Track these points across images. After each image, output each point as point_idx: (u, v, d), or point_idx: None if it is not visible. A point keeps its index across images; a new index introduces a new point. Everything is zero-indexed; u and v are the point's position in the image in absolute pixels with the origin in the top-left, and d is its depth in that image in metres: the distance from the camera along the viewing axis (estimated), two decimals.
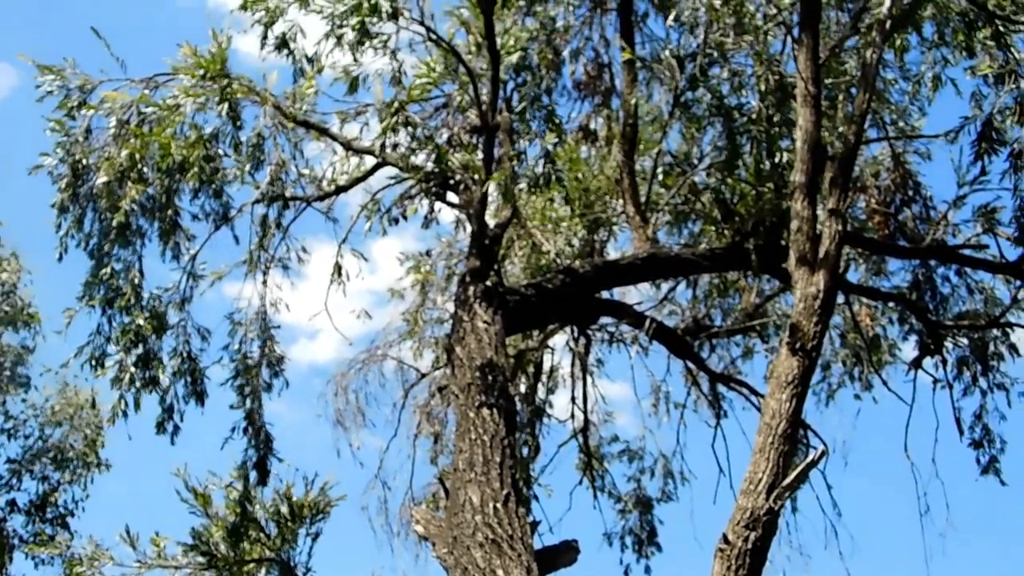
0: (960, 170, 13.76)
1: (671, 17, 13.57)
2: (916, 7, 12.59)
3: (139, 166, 14.01)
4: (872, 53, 11.96)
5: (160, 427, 14.36)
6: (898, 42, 14.13)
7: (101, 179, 13.96)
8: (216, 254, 14.85)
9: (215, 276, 14.96)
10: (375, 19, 12.82)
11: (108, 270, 14.09)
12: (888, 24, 12.07)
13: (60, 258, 14.27)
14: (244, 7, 13.71)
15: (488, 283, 13.04)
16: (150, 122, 14.22)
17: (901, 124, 15.44)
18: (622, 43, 15.16)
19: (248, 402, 14.68)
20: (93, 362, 14.14)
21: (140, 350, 14.16)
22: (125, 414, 14.06)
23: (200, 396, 14.66)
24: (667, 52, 14.91)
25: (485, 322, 12.38)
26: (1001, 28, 12.89)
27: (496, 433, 11.14)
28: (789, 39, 14.27)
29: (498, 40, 14.19)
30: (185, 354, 14.76)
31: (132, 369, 14.02)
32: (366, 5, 12.52)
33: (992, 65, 13.45)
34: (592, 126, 16.25)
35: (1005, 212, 13.96)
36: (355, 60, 13.77)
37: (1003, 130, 13.22)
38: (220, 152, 14.28)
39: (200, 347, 14.84)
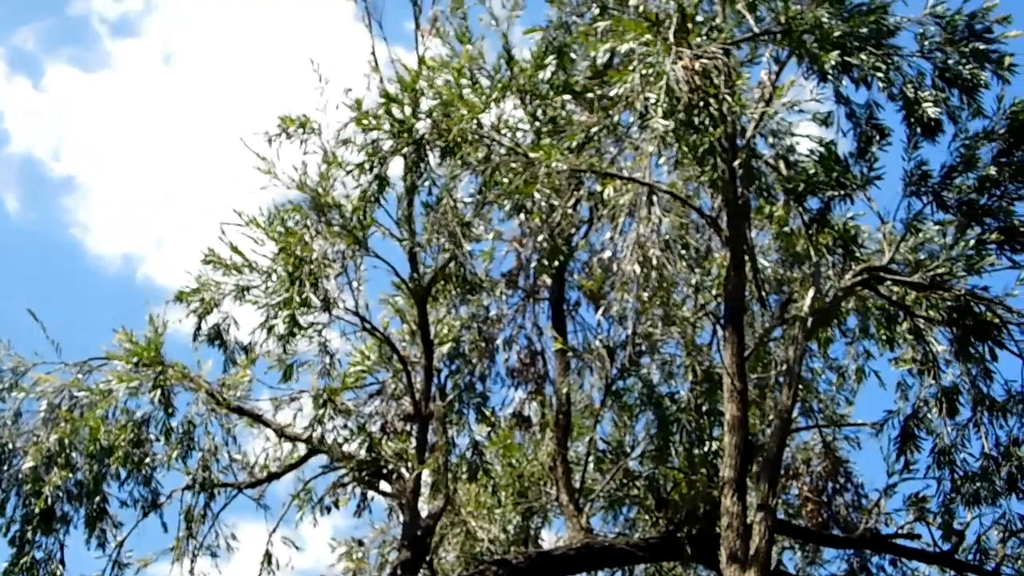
0: (889, 459, 13.90)
1: (600, 310, 13.88)
2: (837, 304, 12.97)
3: (67, 451, 13.86)
4: (795, 350, 12.26)
5: None
6: (822, 335, 14.51)
7: (27, 464, 13.78)
8: (143, 541, 14.57)
9: (141, 563, 14.60)
10: (306, 311, 13.03)
11: (29, 559, 13.75)
12: (810, 321, 12.40)
13: None
14: (179, 299, 13.91)
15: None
16: (81, 406, 14.17)
17: (829, 412, 15.69)
18: (554, 333, 15.46)
19: None
20: None
21: None
22: None
23: None
24: (598, 342, 15.23)
25: None
26: (920, 324, 13.29)
27: None
28: (717, 328, 14.61)
29: (432, 329, 14.47)
30: None
31: None
32: (297, 299, 12.73)
33: (915, 357, 13.79)
34: (526, 412, 16.37)
35: (936, 501, 14.02)
36: (286, 351, 13.90)
37: (927, 422, 13.47)
38: (151, 437, 14.19)
39: None
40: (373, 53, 14.02)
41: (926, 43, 12.05)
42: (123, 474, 14.15)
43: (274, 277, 13.56)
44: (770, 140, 13.59)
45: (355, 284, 13.91)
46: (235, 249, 13.85)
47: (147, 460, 14.19)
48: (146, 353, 13.91)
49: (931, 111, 11.91)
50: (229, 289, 14.02)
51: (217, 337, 14.26)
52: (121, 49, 44.11)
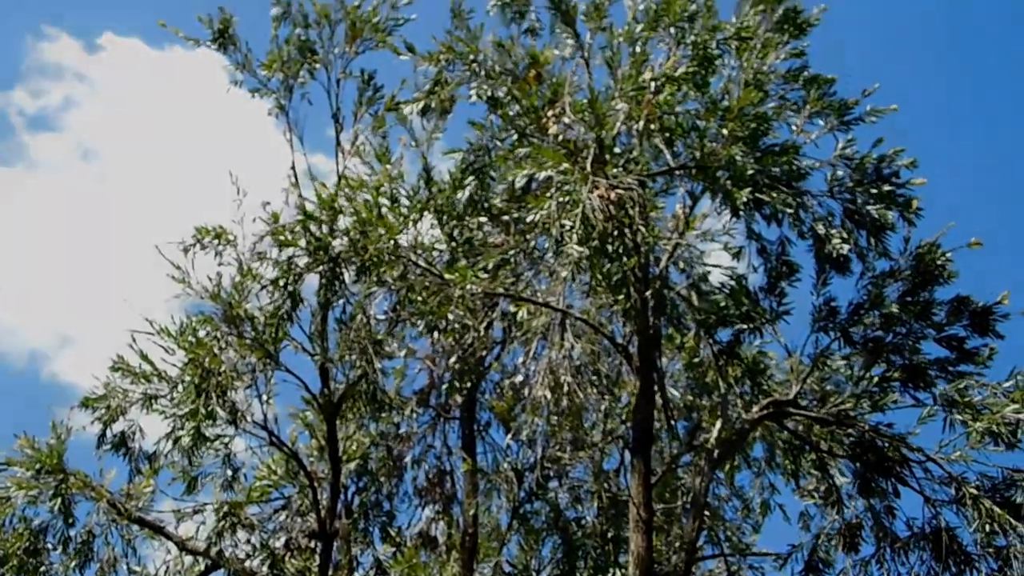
0: None
1: (510, 433, 13.93)
2: (743, 436, 13.09)
3: None
4: (701, 481, 12.34)
5: None
6: (729, 464, 14.62)
7: None
8: None
9: None
10: (212, 423, 12.92)
11: None
12: (716, 452, 12.51)
13: None
14: (85, 405, 13.70)
15: None
16: None
17: (735, 540, 15.73)
18: (463, 453, 15.43)
19: None
20: None
21: None
22: None
23: None
24: (507, 464, 15.21)
25: None
26: (825, 457, 13.43)
27: None
28: (626, 453, 14.68)
29: (340, 445, 14.37)
30: None
31: None
32: (202, 412, 12.62)
33: (819, 489, 13.91)
34: (432, 532, 16.23)
35: None
36: (191, 463, 13.73)
37: (831, 555, 13.52)
38: (48, 547, 13.90)
39: None
40: (293, 168, 14.15)
41: (836, 185, 12.41)
42: None
43: (181, 388, 13.40)
44: (682, 266, 13.84)
45: (264, 397, 13.82)
46: (144, 357, 13.70)
47: (43, 570, 13.86)
48: (48, 460, 13.68)
49: (840, 247, 12.21)
50: (136, 397, 13.83)
51: (121, 445, 14.03)
52: (38, 143, 43.75)
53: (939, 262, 12.30)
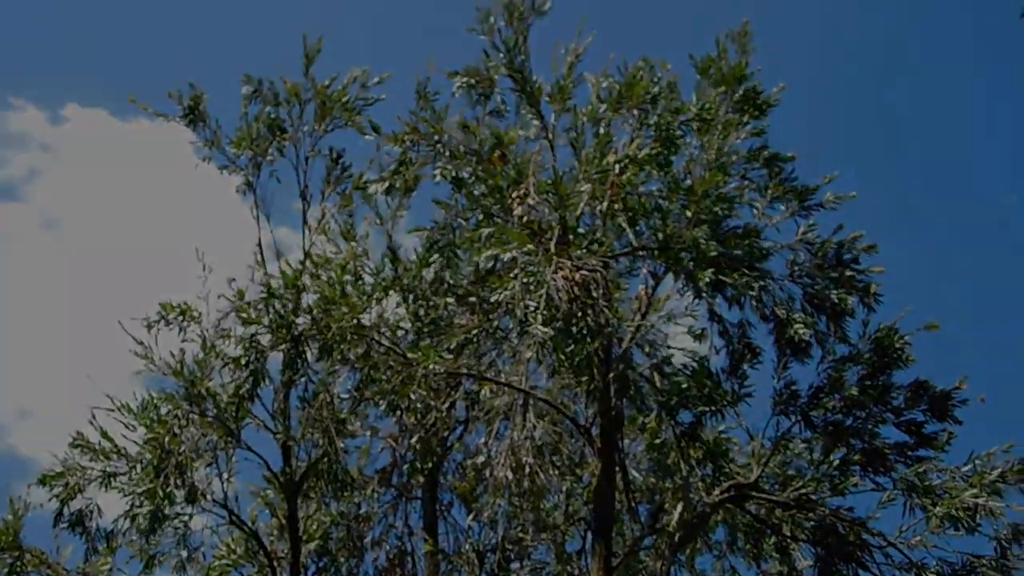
0: None
1: (472, 515, 13.86)
2: (705, 519, 13.07)
3: None
4: (662, 565, 12.31)
5: None
6: (691, 547, 14.57)
7: None
8: None
9: None
10: (170, 504, 12.81)
11: None
12: (677, 536, 12.48)
13: None
14: (43, 482, 13.54)
15: None
16: None
17: None
18: (424, 534, 15.33)
19: None
20: None
21: None
22: None
23: None
24: (468, 545, 15.11)
25: None
26: (787, 541, 13.41)
27: None
28: (588, 535, 14.60)
29: (301, 524, 14.25)
30: None
31: None
32: (160, 492, 12.51)
33: (780, 573, 13.87)
34: None
35: None
36: (148, 542, 13.58)
37: None
38: None
39: None
40: (259, 244, 14.15)
41: (796, 268, 12.56)
42: None
43: (140, 467, 13.28)
44: (646, 349, 13.87)
45: (225, 475, 13.70)
46: (105, 435, 13.57)
47: None
48: (3, 537, 13.47)
49: (802, 331, 12.34)
50: (95, 475, 13.66)
51: (79, 523, 13.85)
52: (1, 213, 43.59)
53: (897, 345, 12.43)
